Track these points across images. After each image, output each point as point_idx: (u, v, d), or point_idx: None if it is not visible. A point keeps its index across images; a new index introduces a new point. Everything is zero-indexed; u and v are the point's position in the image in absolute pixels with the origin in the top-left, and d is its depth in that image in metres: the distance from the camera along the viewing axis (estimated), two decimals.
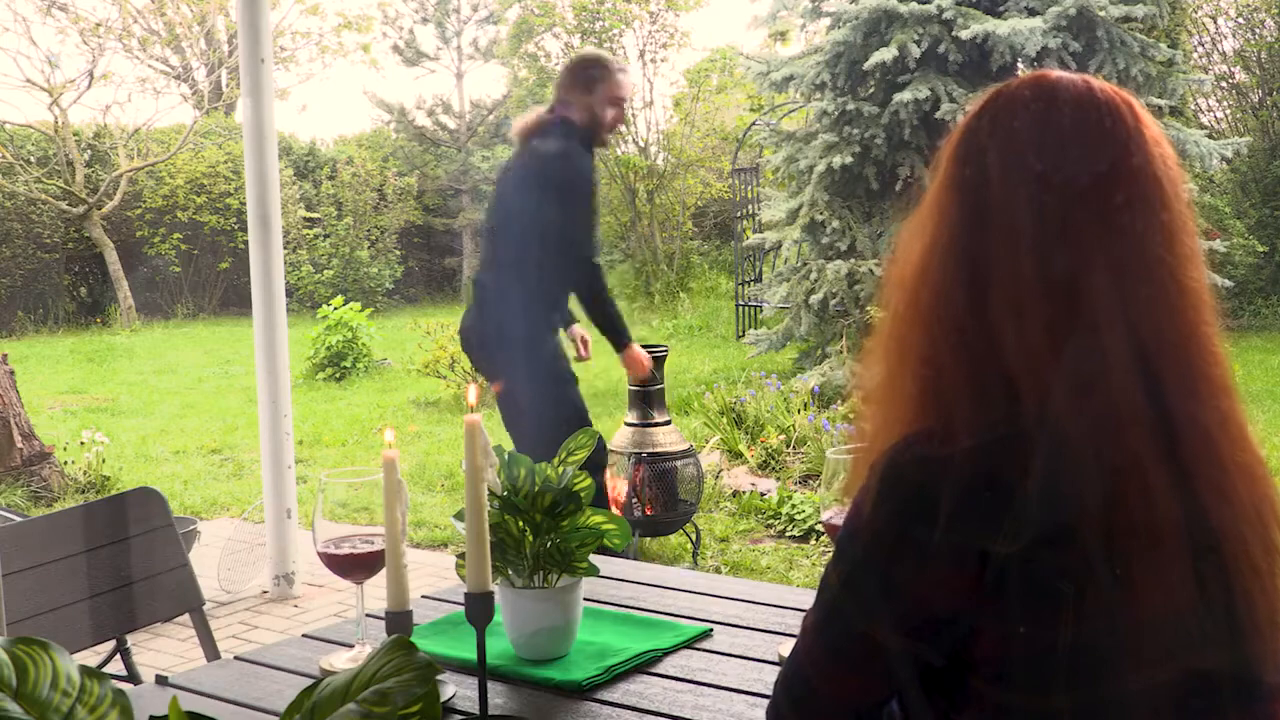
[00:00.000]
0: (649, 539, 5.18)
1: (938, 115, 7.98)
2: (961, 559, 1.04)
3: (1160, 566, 1.03)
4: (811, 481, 6.05)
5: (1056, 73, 1.15)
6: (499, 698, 1.54)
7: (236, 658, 1.73)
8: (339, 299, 10.33)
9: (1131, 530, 1.02)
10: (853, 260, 8.28)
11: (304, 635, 1.82)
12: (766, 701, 1.21)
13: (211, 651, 2.42)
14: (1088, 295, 1.05)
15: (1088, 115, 1.11)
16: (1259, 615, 1.05)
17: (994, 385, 1.06)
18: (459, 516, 1.53)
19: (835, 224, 8.42)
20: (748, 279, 11.67)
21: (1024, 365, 1.05)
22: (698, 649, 1.69)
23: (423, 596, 1.99)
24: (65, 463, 6.44)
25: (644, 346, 4.97)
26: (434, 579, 4.76)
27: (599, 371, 9.67)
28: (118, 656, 2.49)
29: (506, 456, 1.63)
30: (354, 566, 1.61)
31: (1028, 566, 1.02)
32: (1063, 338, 1.05)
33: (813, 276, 8.41)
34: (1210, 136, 9.06)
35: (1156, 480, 1.03)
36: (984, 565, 1.03)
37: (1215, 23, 13.39)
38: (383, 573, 1.51)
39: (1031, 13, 8.19)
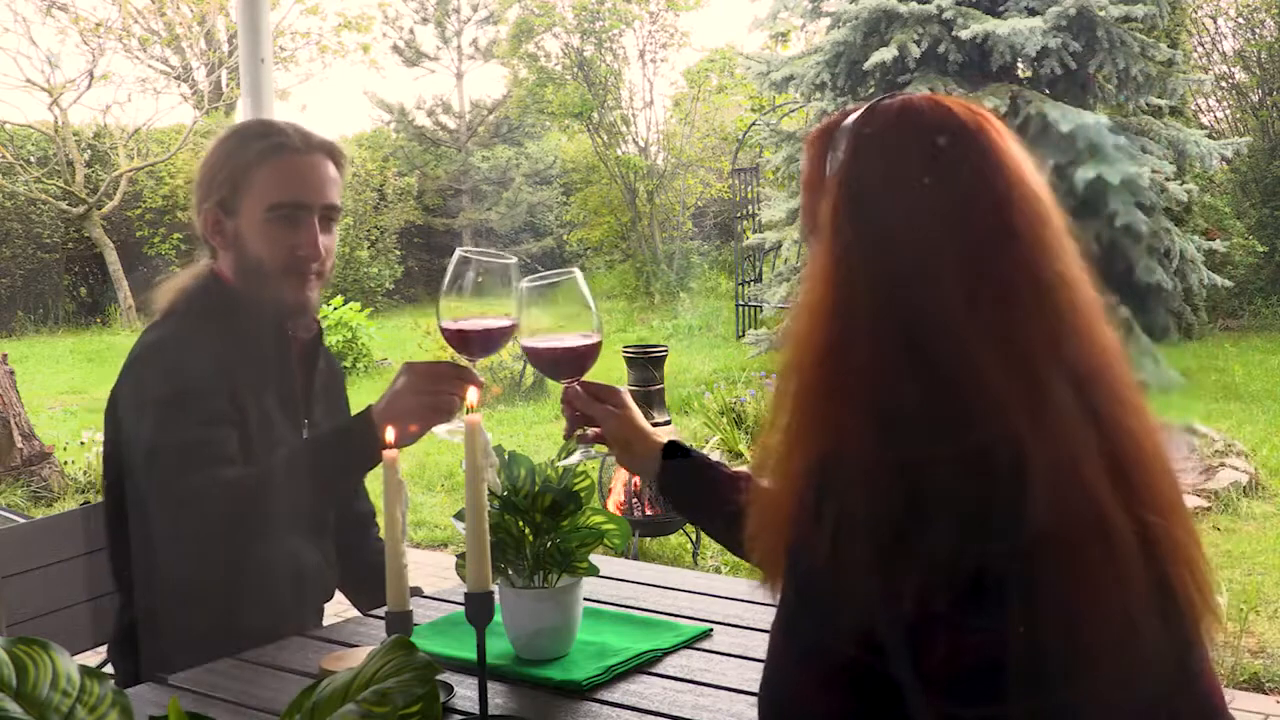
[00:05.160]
0: (649, 539, 5.18)
1: None
2: (905, 571, 1.03)
3: (1109, 569, 1.04)
4: None
5: (920, 95, 1.17)
6: (499, 698, 1.54)
7: (237, 658, 1.73)
8: (339, 299, 10.33)
9: (1082, 539, 1.03)
10: None
11: (304, 635, 1.82)
12: None
13: None
14: (1003, 310, 1.07)
15: (967, 137, 1.12)
16: (1192, 600, 1.09)
17: (927, 399, 1.06)
18: (459, 516, 1.53)
19: None
20: (748, 279, 11.66)
21: (967, 377, 1.05)
22: (698, 649, 1.69)
23: (423, 596, 1.99)
24: (65, 463, 6.44)
25: (644, 346, 4.99)
26: (434, 579, 4.75)
27: (598, 373, 9.67)
28: None
29: (506, 456, 1.63)
30: None
31: (973, 577, 1.02)
32: (1000, 352, 1.05)
33: None
34: (1210, 136, 9.06)
35: (1102, 489, 1.04)
36: (929, 576, 1.03)
37: (1215, 23, 13.40)
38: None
39: (1031, 13, 8.19)
